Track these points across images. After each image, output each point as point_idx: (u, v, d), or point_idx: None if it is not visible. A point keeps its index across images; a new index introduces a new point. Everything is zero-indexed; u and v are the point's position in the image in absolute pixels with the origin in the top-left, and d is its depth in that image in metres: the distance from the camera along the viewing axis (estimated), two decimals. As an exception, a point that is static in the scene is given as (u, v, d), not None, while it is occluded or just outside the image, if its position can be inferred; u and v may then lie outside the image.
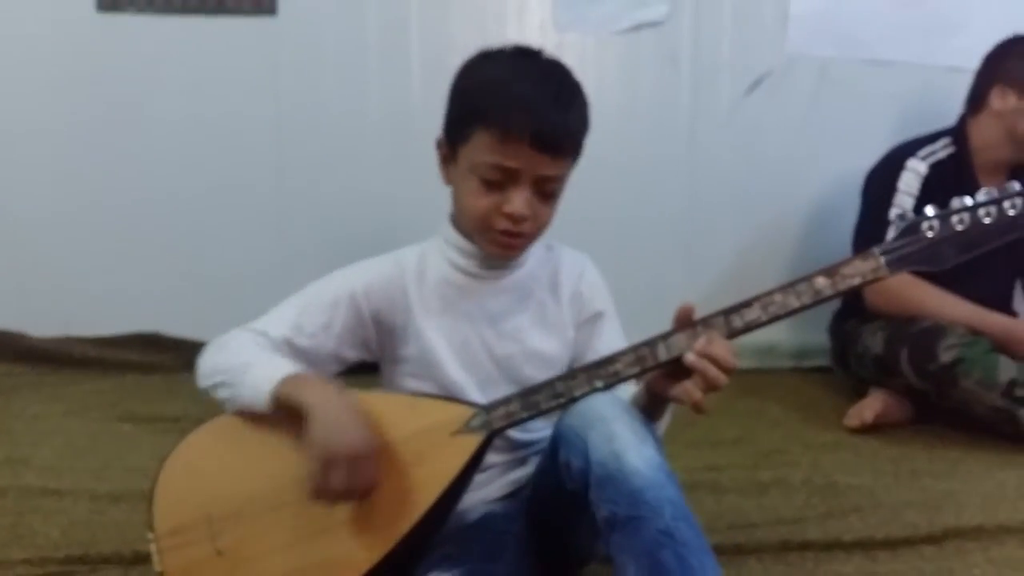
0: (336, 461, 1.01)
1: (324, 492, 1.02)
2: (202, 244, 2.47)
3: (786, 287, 1.00)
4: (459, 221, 1.21)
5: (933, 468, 1.78)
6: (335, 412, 1.03)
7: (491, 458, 1.19)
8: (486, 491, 1.21)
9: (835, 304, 2.24)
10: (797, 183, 2.50)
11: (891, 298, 1.99)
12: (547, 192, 1.13)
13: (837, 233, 2.21)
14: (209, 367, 1.15)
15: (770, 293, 1.00)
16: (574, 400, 1.05)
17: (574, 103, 1.14)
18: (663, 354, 1.01)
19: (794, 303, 0.99)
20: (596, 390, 1.04)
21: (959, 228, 0.98)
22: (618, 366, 1.04)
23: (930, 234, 0.98)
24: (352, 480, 1.01)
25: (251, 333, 1.17)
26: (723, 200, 2.51)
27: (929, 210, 0.99)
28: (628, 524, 0.95)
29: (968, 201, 0.98)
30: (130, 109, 2.40)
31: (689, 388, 1.00)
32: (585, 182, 2.38)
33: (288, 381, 1.06)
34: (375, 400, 1.14)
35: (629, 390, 1.12)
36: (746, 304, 1.00)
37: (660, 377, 1.04)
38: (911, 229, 0.99)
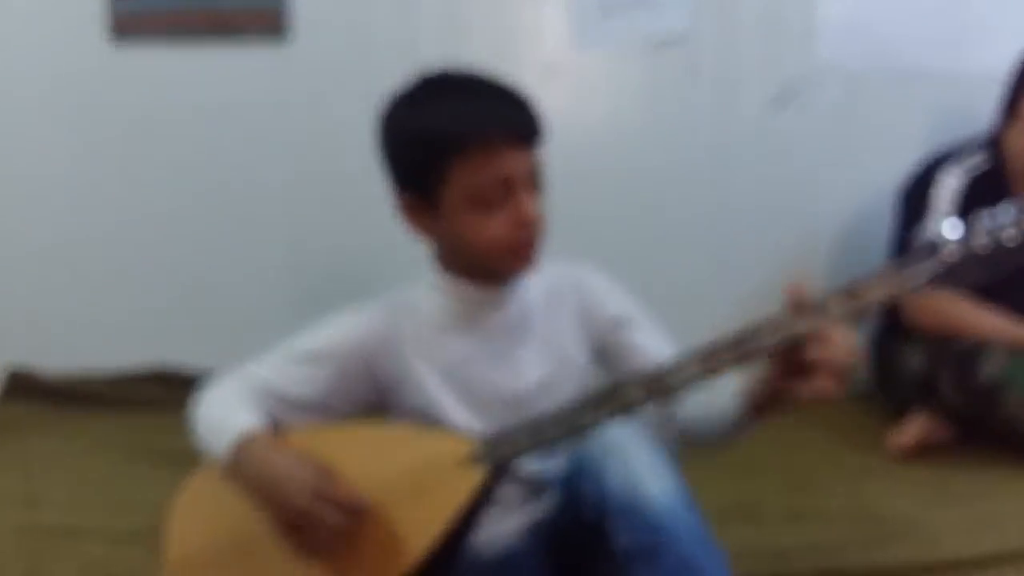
0: (291, 525, 1.05)
1: (308, 550, 1.06)
2: (216, 275, 2.46)
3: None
4: (464, 260, 1.17)
5: (976, 491, 1.72)
6: (268, 484, 1.06)
7: (506, 492, 1.16)
8: (502, 526, 1.18)
9: (873, 323, 2.20)
10: (827, 196, 2.45)
11: (931, 315, 1.94)
12: (538, 184, 1.13)
13: (870, 245, 2.18)
14: (197, 418, 1.17)
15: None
16: (582, 429, 1.01)
17: (516, 89, 1.13)
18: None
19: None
20: (604, 419, 1.01)
21: (980, 252, 0.91)
22: (628, 395, 0.99)
23: (950, 257, 0.92)
24: (323, 524, 1.03)
25: (236, 382, 1.18)
26: (751, 214, 2.46)
27: (951, 231, 0.93)
28: (647, 554, 0.94)
29: (993, 221, 0.92)
30: (142, 137, 2.40)
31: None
32: (611, 198, 2.41)
33: (240, 452, 1.09)
34: (380, 432, 1.15)
35: (730, 387, 1.08)
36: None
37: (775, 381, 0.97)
38: (929, 248, 0.93)
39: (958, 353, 1.87)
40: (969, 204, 1.92)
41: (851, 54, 2.38)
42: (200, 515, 1.17)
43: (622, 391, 0.99)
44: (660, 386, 0.97)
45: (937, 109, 2.39)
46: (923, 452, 1.91)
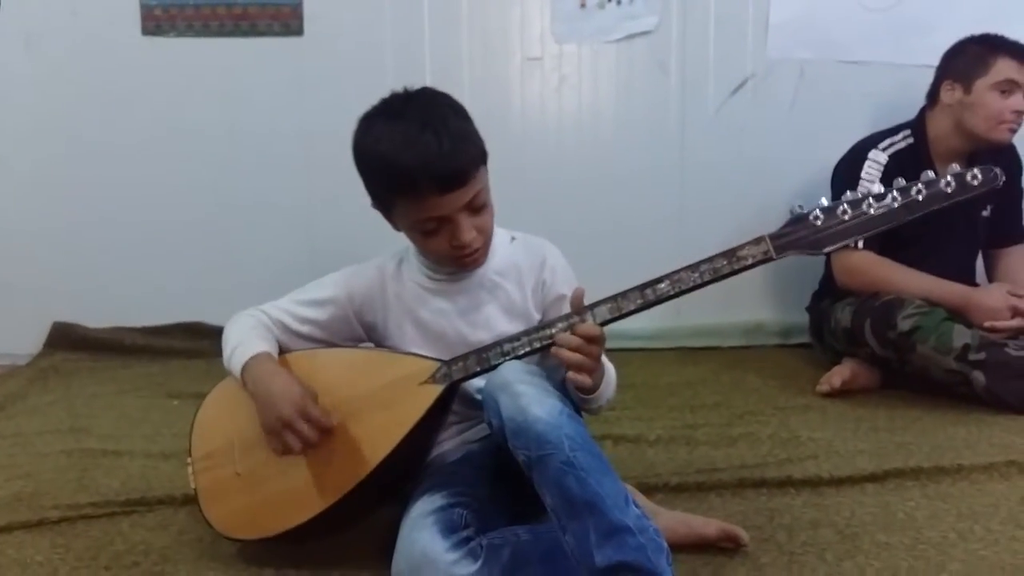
0: (274, 429, 1.28)
1: (281, 451, 1.29)
2: (238, 243, 2.69)
3: (692, 266, 1.17)
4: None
5: (891, 425, 1.91)
6: (265, 393, 1.30)
7: (462, 411, 1.40)
8: (461, 437, 1.42)
9: (813, 284, 2.43)
10: (781, 179, 2.62)
11: (858, 276, 2.17)
12: (478, 206, 1.28)
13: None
14: (223, 340, 1.41)
15: (677, 272, 1.18)
16: (517, 357, 1.24)
17: (454, 130, 1.24)
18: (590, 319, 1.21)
19: (696, 279, 1.17)
20: (535, 350, 1.24)
21: (844, 218, 1.14)
22: (549, 331, 1.22)
23: (817, 223, 1.15)
24: (299, 435, 1.27)
25: (257, 313, 1.43)
26: (712, 197, 2.66)
27: (823, 201, 1.16)
28: (539, 463, 1.11)
29: (858, 194, 1.14)
30: (172, 122, 2.62)
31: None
32: (582, 184, 2.66)
33: (247, 368, 1.33)
34: (360, 355, 1.40)
35: None
36: (658, 280, 1.18)
37: None
38: (800, 219, 1.16)
39: (879, 306, 2.08)
40: (892, 179, 2.12)
41: (801, 47, 2.61)
42: (216, 420, 1.41)
43: (544, 328, 1.24)
44: (575, 324, 1.21)
45: (880, 96, 2.59)
46: (850, 394, 2.12)
